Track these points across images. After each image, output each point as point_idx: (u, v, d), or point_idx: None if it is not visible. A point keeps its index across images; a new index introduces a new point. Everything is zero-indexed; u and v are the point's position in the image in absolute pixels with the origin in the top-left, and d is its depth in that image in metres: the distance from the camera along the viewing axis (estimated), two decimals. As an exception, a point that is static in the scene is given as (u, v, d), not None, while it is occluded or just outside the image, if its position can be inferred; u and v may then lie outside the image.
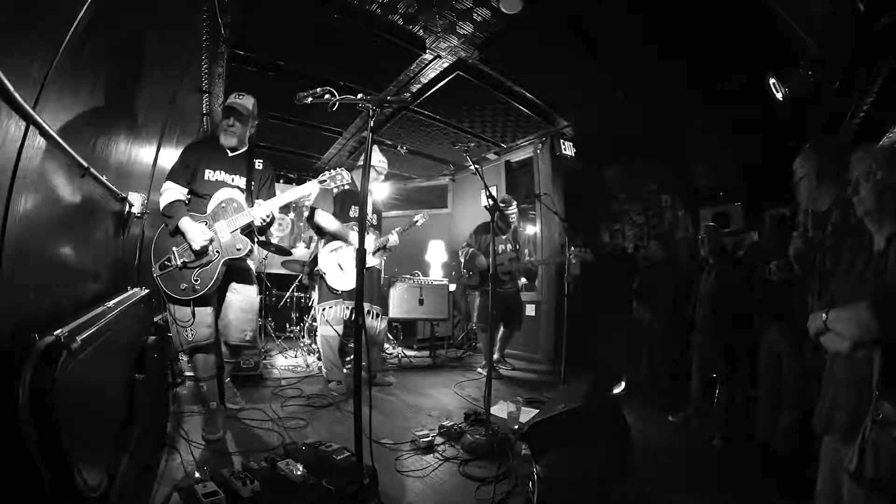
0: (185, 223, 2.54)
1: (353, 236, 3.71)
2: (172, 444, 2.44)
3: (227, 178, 2.78)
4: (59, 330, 1.14)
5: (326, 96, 1.89)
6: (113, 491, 1.39)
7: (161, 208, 2.60)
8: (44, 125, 1.09)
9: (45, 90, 1.12)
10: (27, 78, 1.05)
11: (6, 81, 0.92)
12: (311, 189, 2.94)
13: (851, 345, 1.20)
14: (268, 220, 2.71)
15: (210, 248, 2.60)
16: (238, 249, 2.66)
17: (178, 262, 2.55)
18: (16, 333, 1.06)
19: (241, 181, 2.81)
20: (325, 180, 2.89)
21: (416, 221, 4.20)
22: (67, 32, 1.18)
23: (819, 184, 2.06)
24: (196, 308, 2.61)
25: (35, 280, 1.25)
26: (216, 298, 2.76)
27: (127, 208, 2.11)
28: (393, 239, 3.97)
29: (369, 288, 3.81)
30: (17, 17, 0.98)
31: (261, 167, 2.92)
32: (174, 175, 2.66)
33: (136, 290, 2.31)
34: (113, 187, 1.80)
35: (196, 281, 2.58)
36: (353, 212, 3.84)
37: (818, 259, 1.99)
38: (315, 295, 5.21)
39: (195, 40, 3.15)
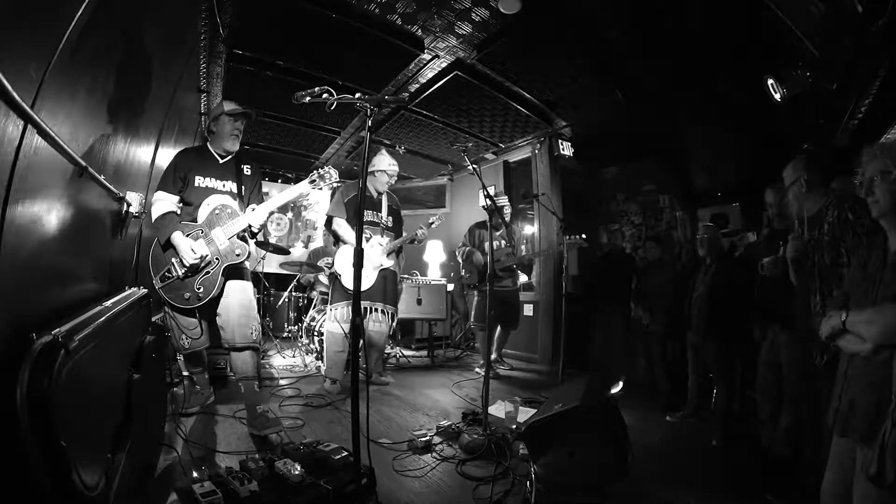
0: (177, 238, 2.57)
1: (366, 245, 3.76)
2: (170, 444, 2.43)
3: (218, 184, 2.80)
4: (57, 329, 1.14)
5: (325, 96, 1.89)
6: (110, 491, 1.39)
7: (153, 219, 2.63)
8: (42, 124, 1.09)
9: (43, 89, 1.12)
10: (25, 77, 1.05)
11: (4, 81, 0.92)
12: (301, 190, 2.86)
13: (873, 347, 1.19)
14: (261, 226, 2.76)
15: (209, 256, 2.63)
16: (237, 255, 2.70)
17: (180, 273, 2.61)
18: (13, 333, 1.06)
19: (232, 186, 2.84)
20: (315, 180, 2.81)
21: (432, 223, 4.16)
22: (66, 32, 1.17)
23: (808, 189, 2.19)
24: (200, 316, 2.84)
25: (33, 279, 1.25)
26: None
27: (125, 208, 2.10)
28: (421, 232, 4.00)
29: (383, 288, 3.87)
30: (16, 16, 0.98)
31: (249, 172, 2.94)
32: (164, 184, 2.68)
33: (133, 289, 2.30)
34: (111, 187, 1.80)
35: (199, 289, 2.65)
36: (367, 216, 3.87)
37: (816, 258, 2.04)
38: (322, 296, 5.27)
39: (193, 39, 3.15)
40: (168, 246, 2.62)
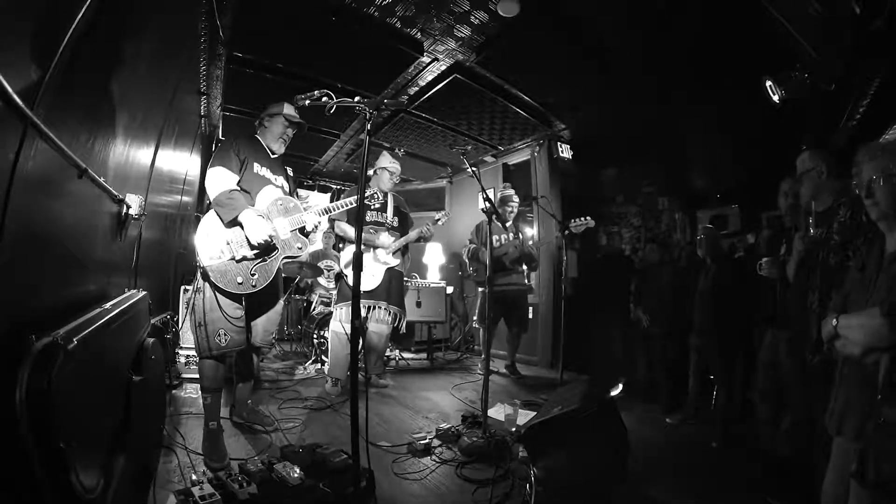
0: (249, 216, 2.41)
1: (377, 239, 3.86)
2: (169, 446, 2.43)
3: (272, 177, 2.72)
4: (57, 331, 1.14)
5: (324, 99, 1.90)
6: (109, 493, 1.39)
7: (214, 196, 2.44)
8: (41, 126, 1.09)
9: (44, 91, 1.12)
10: (25, 79, 1.05)
11: (4, 83, 0.92)
12: (348, 202, 3.07)
13: (861, 350, 1.20)
14: (317, 227, 2.75)
15: (270, 244, 2.50)
16: (298, 248, 2.67)
17: (237, 255, 2.43)
18: (13, 334, 1.06)
19: (284, 182, 2.80)
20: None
21: (438, 220, 4.17)
22: (66, 34, 1.18)
23: (827, 177, 2.10)
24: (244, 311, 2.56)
25: (32, 281, 1.25)
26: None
27: (124, 210, 2.10)
28: (426, 229, 3.98)
29: (388, 288, 3.88)
30: (16, 18, 0.98)
31: (291, 173, 2.95)
32: (225, 161, 2.51)
33: (133, 291, 2.30)
34: (111, 189, 1.80)
35: (254, 275, 2.48)
36: (373, 216, 3.92)
37: (821, 255, 1.99)
38: (321, 298, 5.31)
39: (193, 42, 3.16)
40: (233, 224, 2.43)
